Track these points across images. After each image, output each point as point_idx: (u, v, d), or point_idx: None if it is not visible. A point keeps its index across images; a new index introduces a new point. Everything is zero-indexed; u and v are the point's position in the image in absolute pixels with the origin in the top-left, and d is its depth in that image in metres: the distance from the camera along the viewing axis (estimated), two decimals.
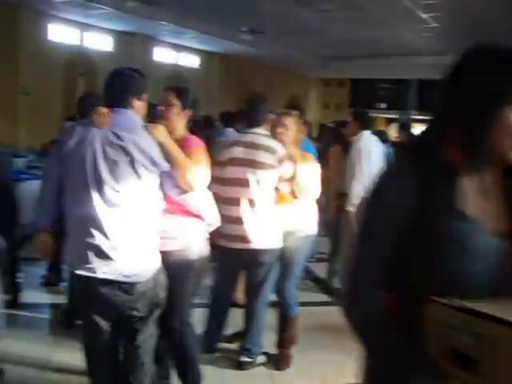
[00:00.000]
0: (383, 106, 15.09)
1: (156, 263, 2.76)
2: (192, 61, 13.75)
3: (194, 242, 3.06)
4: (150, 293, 2.73)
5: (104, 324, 2.82)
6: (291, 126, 3.87)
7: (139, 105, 2.80)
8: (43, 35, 10.13)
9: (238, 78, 13.93)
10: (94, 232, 2.58)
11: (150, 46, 12.36)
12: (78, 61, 10.67)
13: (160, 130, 2.75)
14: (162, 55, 12.80)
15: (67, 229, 2.72)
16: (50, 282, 5.35)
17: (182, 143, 2.93)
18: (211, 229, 3.20)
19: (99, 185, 2.57)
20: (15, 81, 9.14)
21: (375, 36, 10.26)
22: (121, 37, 11.45)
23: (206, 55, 13.79)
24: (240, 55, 13.56)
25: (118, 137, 2.60)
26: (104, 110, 2.68)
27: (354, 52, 12.44)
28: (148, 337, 2.84)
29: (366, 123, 5.66)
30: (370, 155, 5.40)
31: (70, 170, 2.69)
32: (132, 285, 2.66)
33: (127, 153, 2.58)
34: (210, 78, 13.55)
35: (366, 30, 9.81)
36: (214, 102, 12.07)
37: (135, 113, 2.76)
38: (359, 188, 5.32)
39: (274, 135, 3.80)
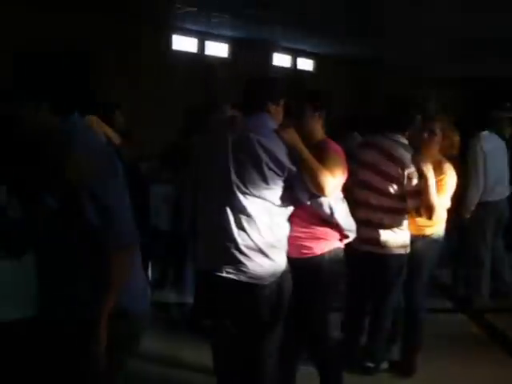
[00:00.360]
0: (508, 104, 14.26)
1: (282, 267, 2.76)
2: (307, 65, 13.77)
3: (326, 251, 3.03)
4: (274, 297, 2.73)
5: (229, 325, 2.86)
6: (438, 131, 3.71)
7: (276, 110, 2.81)
8: (166, 45, 10.57)
9: (353, 81, 13.77)
10: (222, 233, 2.64)
11: (269, 52, 12.51)
12: (199, 69, 11.00)
13: (290, 133, 2.74)
14: (280, 60, 12.93)
15: (198, 229, 2.80)
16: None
17: (318, 147, 2.91)
18: (350, 238, 3.14)
19: (228, 186, 2.62)
20: (140, 90, 9.57)
21: (495, 32, 9.78)
22: (239, 43, 11.67)
23: (320, 58, 13.75)
24: (355, 57, 13.39)
25: (248, 140, 2.63)
26: (236, 113, 2.73)
27: (473, 50, 11.92)
28: (271, 341, 2.83)
29: (483, 123, 5.40)
30: (488, 158, 5.14)
31: (202, 171, 2.77)
32: (256, 287, 2.68)
33: (255, 155, 2.60)
34: (324, 81, 13.49)
35: (483, 27, 9.36)
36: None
37: (271, 118, 2.77)
38: (474, 192, 5.09)
39: (418, 140, 3.65)
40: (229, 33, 11.29)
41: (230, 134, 2.68)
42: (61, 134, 1.85)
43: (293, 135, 2.74)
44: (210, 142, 2.78)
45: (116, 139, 2.16)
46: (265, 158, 2.59)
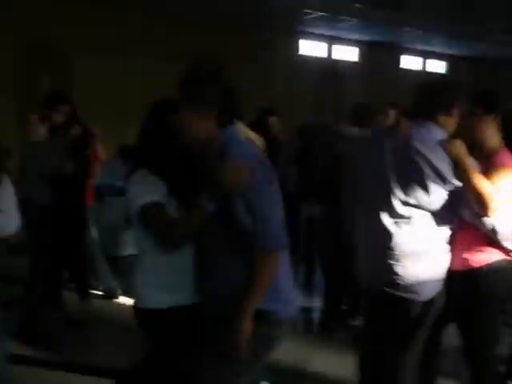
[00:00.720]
0: None
1: (439, 285, 2.64)
2: (439, 66, 13.35)
3: (485, 264, 2.78)
4: (423, 313, 2.62)
5: (375, 337, 2.77)
6: None
7: (446, 120, 2.61)
8: (295, 51, 10.69)
9: (493, 83, 13.10)
10: (379, 243, 2.56)
11: (397, 54, 12.28)
12: (327, 73, 11.01)
13: (456, 146, 2.53)
14: (409, 63, 12.65)
15: (356, 237, 2.75)
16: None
17: (490, 158, 2.71)
18: None
19: (387, 195, 2.53)
20: (270, 95, 9.73)
21: None
22: (367, 47, 11.56)
23: (453, 59, 13.27)
24: (493, 57, 12.76)
25: (411, 149, 2.51)
26: (404, 120, 2.63)
27: None
28: (411, 352, 2.71)
29: None
30: None
31: (361, 176, 2.72)
32: (410, 302, 2.58)
33: (417, 166, 2.47)
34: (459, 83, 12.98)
35: None
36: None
37: (439, 128, 2.58)
38: None
39: None
40: (357, 36, 11.22)
41: (392, 141, 2.59)
42: (220, 142, 1.99)
43: (459, 148, 2.52)
44: (370, 147, 2.71)
45: (261, 145, 2.21)
46: (426, 170, 2.45)
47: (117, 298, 4.73)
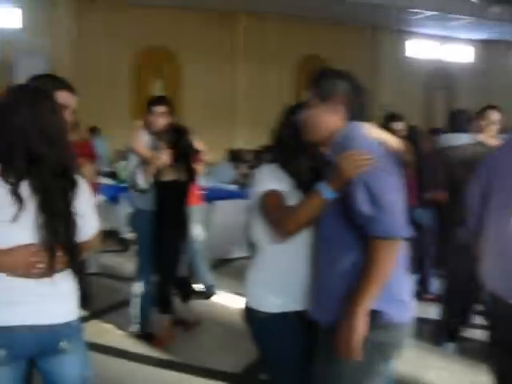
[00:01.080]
0: None
1: None
2: None
3: None
4: None
5: (504, 351, 2.62)
6: None
7: None
8: (402, 52, 10.48)
9: None
10: (508, 252, 2.42)
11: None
12: (437, 74, 10.71)
13: None
14: None
15: (485, 244, 2.62)
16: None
17: None
18: None
19: None
20: (376, 96, 9.60)
21: None
22: (481, 46, 11.11)
23: None
24: None
25: None
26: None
27: None
28: None
29: None
30: None
31: (494, 182, 2.59)
32: None
33: None
34: None
35: None
36: None
37: None
38: None
39: None
40: (470, 35, 10.82)
41: None
42: (343, 136, 1.98)
43: None
44: (503, 154, 2.57)
45: (394, 144, 2.17)
46: None
47: (213, 296, 4.82)
